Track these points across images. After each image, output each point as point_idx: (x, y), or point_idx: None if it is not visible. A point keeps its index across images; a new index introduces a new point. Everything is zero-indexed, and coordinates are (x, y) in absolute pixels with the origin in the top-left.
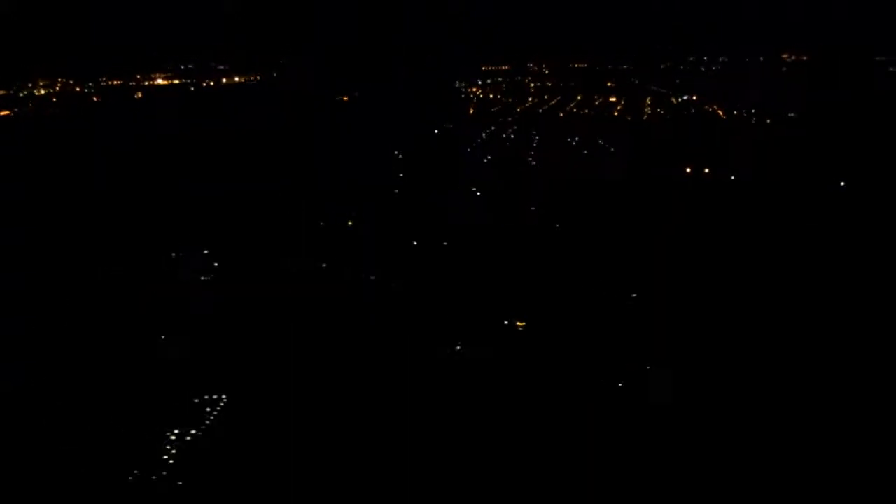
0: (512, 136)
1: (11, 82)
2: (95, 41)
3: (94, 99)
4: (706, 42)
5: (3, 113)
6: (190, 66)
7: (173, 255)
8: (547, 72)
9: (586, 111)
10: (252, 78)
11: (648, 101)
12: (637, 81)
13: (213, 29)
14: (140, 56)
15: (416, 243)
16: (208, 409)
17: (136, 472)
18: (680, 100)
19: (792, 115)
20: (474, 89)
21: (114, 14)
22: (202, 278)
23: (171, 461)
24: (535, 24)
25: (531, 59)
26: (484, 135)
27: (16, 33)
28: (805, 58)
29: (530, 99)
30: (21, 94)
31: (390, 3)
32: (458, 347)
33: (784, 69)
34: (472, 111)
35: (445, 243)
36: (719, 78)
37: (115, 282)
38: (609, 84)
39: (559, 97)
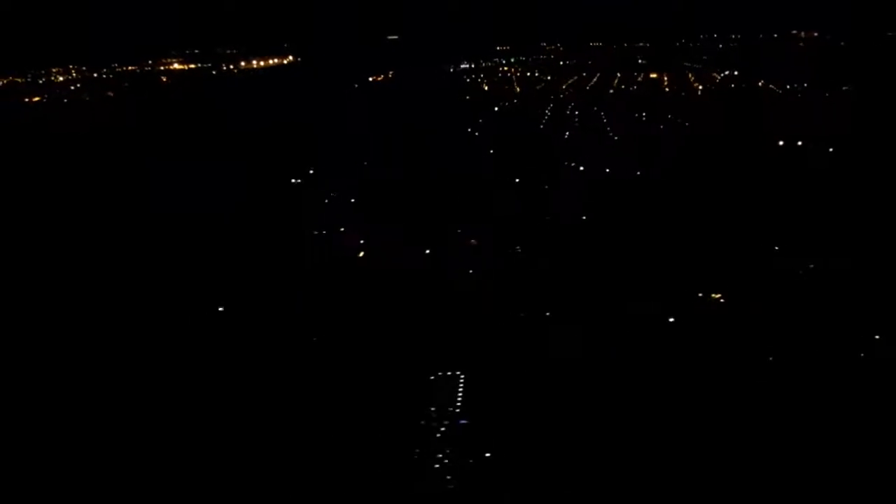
0: (578, 116)
1: (25, 69)
2: (98, 27)
3: (123, 86)
4: (710, 19)
5: (34, 99)
6: (196, 51)
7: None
8: (563, 50)
9: (634, 87)
10: (275, 61)
11: (692, 77)
12: (666, 58)
13: (209, 13)
14: (144, 42)
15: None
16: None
17: None
18: (722, 75)
19: (846, 88)
20: (505, 68)
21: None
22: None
23: None
24: (541, 5)
25: (543, 39)
26: (548, 112)
27: (23, 21)
28: (815, 34)
29: (572, 78)
30: (40, 82)
31: None
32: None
33: (801, 45)
34: (518, 88)
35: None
36: (746, 53)
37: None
38: (640, 61)
39: (598, 75)
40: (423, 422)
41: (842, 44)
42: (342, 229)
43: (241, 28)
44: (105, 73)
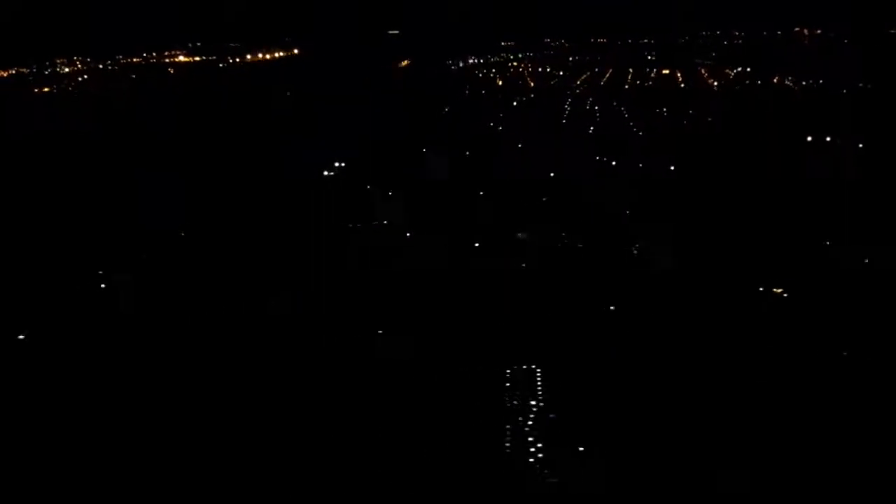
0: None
1: (30, 61)
2: (98, 20)
3: (131, 76)
4: (712, 16)
5: (44, 89)
6: (198, 44)
7: None
8: (567, 46)
9: (650, 83)
10: (282, 54)
11: (705, 73)
12: (674, 54)
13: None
14: (144, 35)
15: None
16: None
17: None
18: (735, 71)
19: (862, 85)
20: (514, 63)
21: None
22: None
23: None
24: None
25: (546, 36)
26: (568, 107)
27: (26, 14)
28: (819, 31)
29: (584, 74)
30: (46, 73)
31: None
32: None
33: (806, 42)
34: (532, 83)
35: None
36: (754, 50)
37: None
38: (650, 57)
39: (610, 70)
40: (510, 417)
41: (846, 41)
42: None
43: (243, 22)
44: (109, 65)
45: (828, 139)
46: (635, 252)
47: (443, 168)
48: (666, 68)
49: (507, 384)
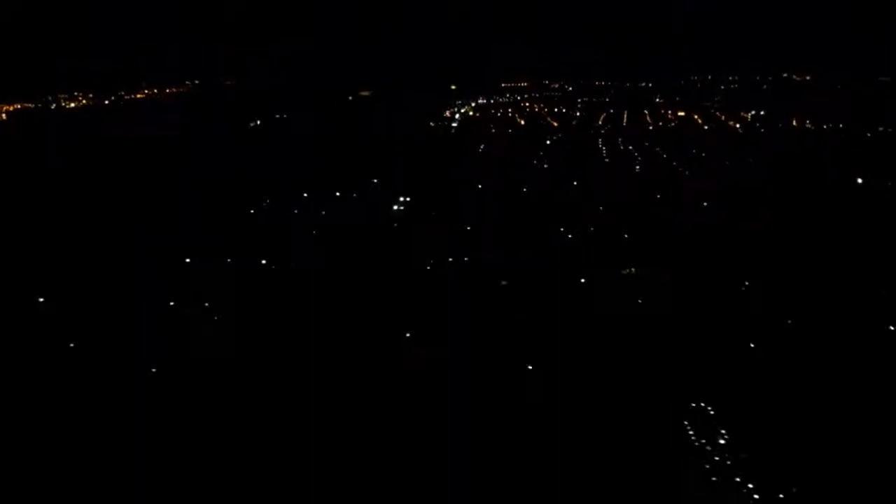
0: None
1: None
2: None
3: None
4: (702, 62)
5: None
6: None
7: None
8: (571, 89)
9: (674, 124)
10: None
11: (722, 116)
12: (683, 98)
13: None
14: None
15: None
16: None
17: None
18: (751, 113)
19: (882, 129)
20: (526, 103)
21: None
22: None
23: None
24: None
25: (546, 77)
26: (603, 146)
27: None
28: (808, 77)
29: (602, 114)
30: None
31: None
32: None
33: (800, 88)
34: (555, 124)
35: None
36: (756, 94)
37: None
38: (659, 99)
39: (626, 111)
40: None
41: (839, 87)
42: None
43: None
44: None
45: (879, 181)
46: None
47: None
48: (680, 110)
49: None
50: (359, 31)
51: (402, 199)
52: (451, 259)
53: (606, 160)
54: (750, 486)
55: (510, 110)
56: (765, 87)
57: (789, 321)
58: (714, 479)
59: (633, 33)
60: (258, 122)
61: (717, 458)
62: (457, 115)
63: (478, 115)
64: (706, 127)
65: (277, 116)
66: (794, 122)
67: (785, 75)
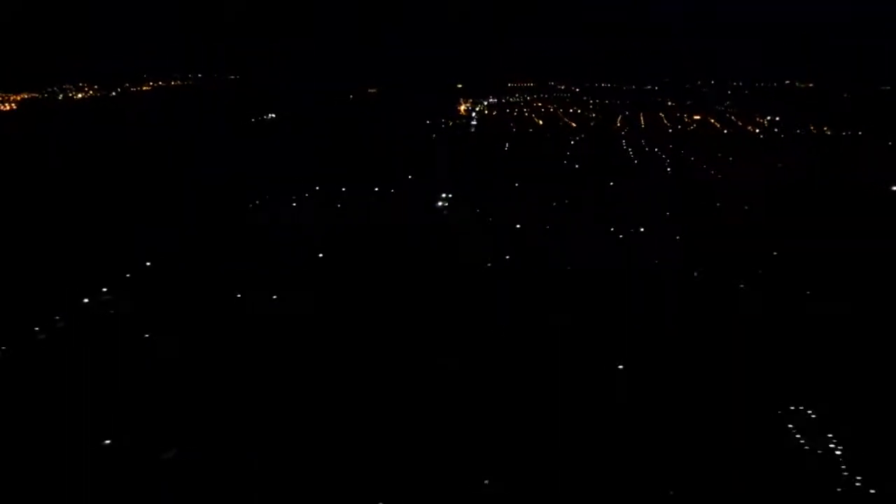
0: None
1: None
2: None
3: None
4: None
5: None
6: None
7: None
8: (577, 90)
9: (693, 127)
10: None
11: (738, 120)
12: (693, 102)
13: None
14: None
15: None
16: None
17: None
18: (766, 119)
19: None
20: (539, 103)
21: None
22: None
23: None
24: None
25: (551, 78)
26: (629, 148)
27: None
28: (811, 85)
29: (618, 116)
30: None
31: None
32: None
33: (806, 95)
34: (573, 125)
35: None
36: (762, 99)
37: None
38: (669, 103)
39: (641, 114)
40: None
41: (845, 95)
42: None
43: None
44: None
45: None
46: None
47: None
48: (696, 114)
49: None
50: (366, 31)
51: (444, 195)
52: (507, 257)
53: (636, 161)
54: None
55: (525, 110)
56: (768, 92)
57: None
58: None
59: (637, 35)
60: (271, 118)
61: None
62: (473, 114)
63: (494, 113)
64: (725, 131)
65: (289, 113)
66: (812, 128)
67: (787, 82)
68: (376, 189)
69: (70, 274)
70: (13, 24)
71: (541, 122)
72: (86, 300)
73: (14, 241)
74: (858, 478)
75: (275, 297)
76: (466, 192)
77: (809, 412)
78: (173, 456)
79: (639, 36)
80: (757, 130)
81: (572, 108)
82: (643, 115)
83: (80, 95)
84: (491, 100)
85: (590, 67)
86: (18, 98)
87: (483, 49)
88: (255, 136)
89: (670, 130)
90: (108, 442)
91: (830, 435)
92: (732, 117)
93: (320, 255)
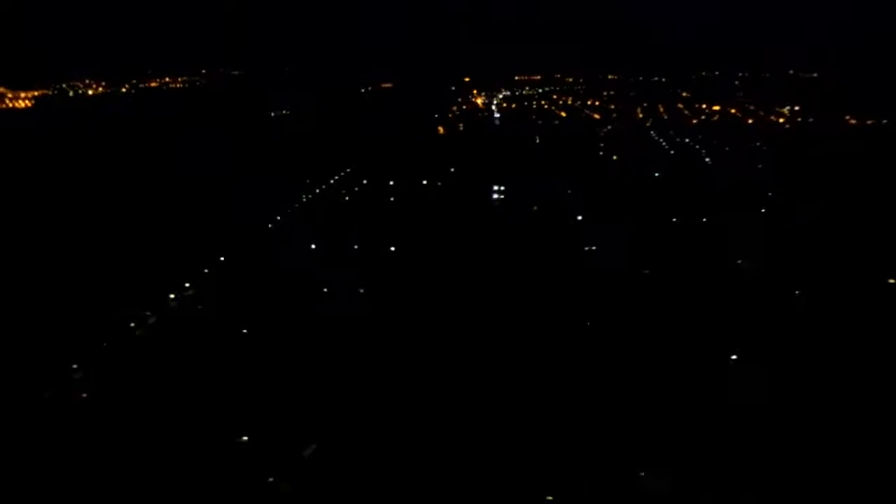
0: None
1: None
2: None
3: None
4: (711, 58)
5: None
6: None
7: None
8: (583, 81)
9: (716, 118)
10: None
11: (760, 111)
12: (706, 92)
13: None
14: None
15: None
16: None
17: None
18: (786, 108)
19: None
20: (555, 95)
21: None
22: None
23: None
24: (550, 37)
25: (556, 71)
26: (661, 140)
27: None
28: (815, 74)
29: (637, 107)
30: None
31: None
32: None
33: (813, 84)
34: (596, 117)
35: None
36: (770, 90)
37: None
38: (685, 94)
39: (659, 105)
40: None
41: (848, 84)
42: None
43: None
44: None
45: None
46: None
47: None
48: (715, 105)
49: None
50: (373, 29)
51: (496, 187)
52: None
53: (671, 152)
54: None
55: (543, 102)
56: (775, 82)
57: None
58: None
59: (643, 27)
60: (287, 113)
61: None
62: (493, 107)
63: (513, 106)
64: (749, 121)
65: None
66: (834, 119)
67: (791, 72)
68: (424, 182)
69: (144, 270)
70: (21, 21)
71: (564, 115)
72: (171, 296)
73: (81, 239)
74: None
75: (361, 290)
76: (516, 184)
77: None
78: (313, 452)
79: (644, 27)
80: (781, 121)
81: (590, 101)
82: (662, 107)
83: (90, 92)
84: (505, 93)
85: (597, 59)
86: (29, 95)
87: (489, 43)
88: (277, 132)
89: (693, 121)
90: (245, 439)
91: None
92: (753, 107)
93: (391, 248)
